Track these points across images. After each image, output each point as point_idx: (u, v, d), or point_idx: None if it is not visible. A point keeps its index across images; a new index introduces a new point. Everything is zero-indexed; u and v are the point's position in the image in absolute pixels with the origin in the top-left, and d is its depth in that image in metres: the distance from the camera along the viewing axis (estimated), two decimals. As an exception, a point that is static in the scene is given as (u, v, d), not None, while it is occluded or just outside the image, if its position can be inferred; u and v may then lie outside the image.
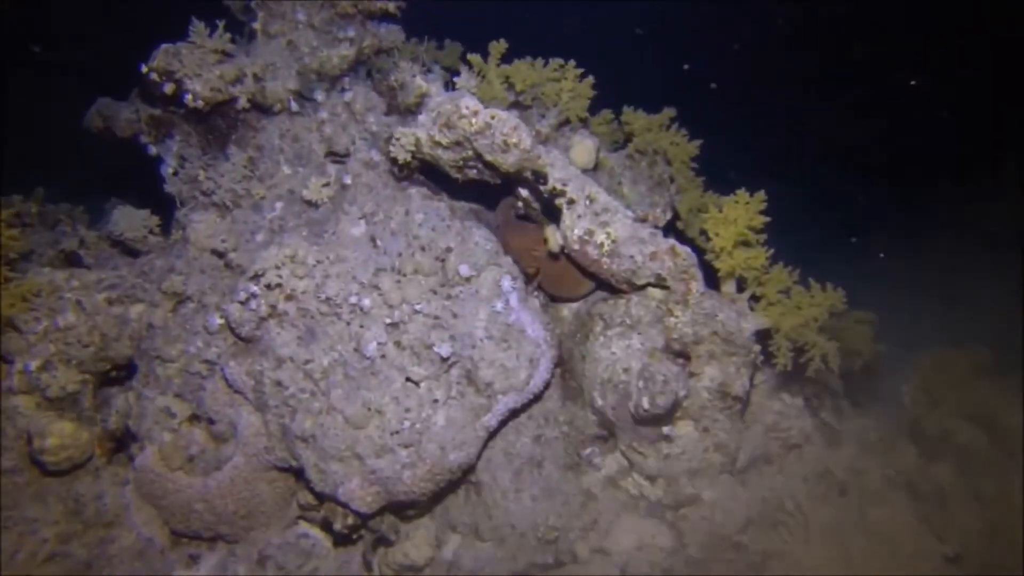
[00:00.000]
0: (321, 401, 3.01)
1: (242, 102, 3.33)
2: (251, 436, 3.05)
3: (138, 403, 3.22)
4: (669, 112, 3.72)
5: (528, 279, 3.09)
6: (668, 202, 3.58)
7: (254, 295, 2.99)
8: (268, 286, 2.99)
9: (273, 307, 3.03)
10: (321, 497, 3.03)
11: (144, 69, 3.25)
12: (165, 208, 3.68)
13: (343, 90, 3.78)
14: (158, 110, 3.49)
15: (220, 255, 3.31)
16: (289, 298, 3.07)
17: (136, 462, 3.14)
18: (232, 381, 3.03)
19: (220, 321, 3.10)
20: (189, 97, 3.23)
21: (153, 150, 3.56)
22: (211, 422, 3.09)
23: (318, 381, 3.03)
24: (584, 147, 3.32)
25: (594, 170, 3.52)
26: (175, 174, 3.57)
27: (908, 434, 3.71)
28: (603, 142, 3.82)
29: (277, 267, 3.01)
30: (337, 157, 3.76)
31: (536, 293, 3.17)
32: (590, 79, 3.61)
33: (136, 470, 3.14)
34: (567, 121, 3.56)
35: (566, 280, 3.03)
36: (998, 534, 3.14)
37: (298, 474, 3.05)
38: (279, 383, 3.02)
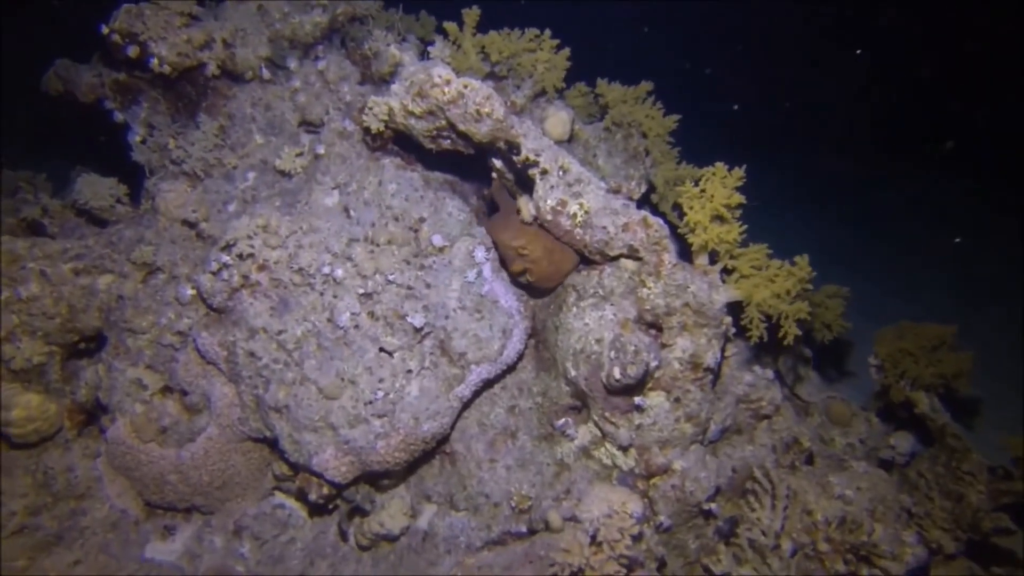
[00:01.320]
0: (294, 372, 2.99)
1: (211, 68, 3.25)
2: (224, 407, 3.03)
3: (108, 375, 3.18)
4: (646, 85, 3.70)
5: (513, 278, 3.11)
6: (643, 175, 3.58)
7: (226, 265, 2.95)
8: (240, 256, 2.96)
9: (245, 277, 2.99)
10: (296, 468, 3.03)
11: (105, 30, 3.14)
12: (133, 176, 3.60)
13: (316, 59, 3.72)
14: (122, 74, 3.40)
15: (191, 225, 3.26)
16: (262, 268, 3.04)
17: (107, 434, 3.11)
18: (204, 352, 3.01)
19: (192, 292, 3.06)
20: (155, 62, 3.15)
21: (119, 116, 3.48)
22: (184, 393, 3.07)
23: (291, 352, 3.01)
24: (559, 118, 3.30)
25: (569, 142, 3.51)
26: (143, 142, 3.49)
27: (873, 405, 3.79)
28: (578, 115, 3.80)
29: (249, 237, 2.97)
30: (311, 127, 3.71)
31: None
32: (566, 51, 3.57)
33: (108, 442, 3.12)
34: (542, 92, 3.53)
35: (553, 277, 3.03)
36: (952, 496, 3.24)
37: (272, 445, 3.04)
38: (252, 354, 2.99)
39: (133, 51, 3.15)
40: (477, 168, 3.40)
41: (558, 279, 3.05)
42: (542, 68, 3.48)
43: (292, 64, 3.63)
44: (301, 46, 3.70)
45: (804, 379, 3.57)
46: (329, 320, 3.01)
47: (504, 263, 3.09)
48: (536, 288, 3.11)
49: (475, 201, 3.71)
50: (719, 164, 2.73)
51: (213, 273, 2.94)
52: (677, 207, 3.47)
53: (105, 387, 3.15)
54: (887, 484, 3.10)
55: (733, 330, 2.97)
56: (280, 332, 3.02)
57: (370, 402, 2.91)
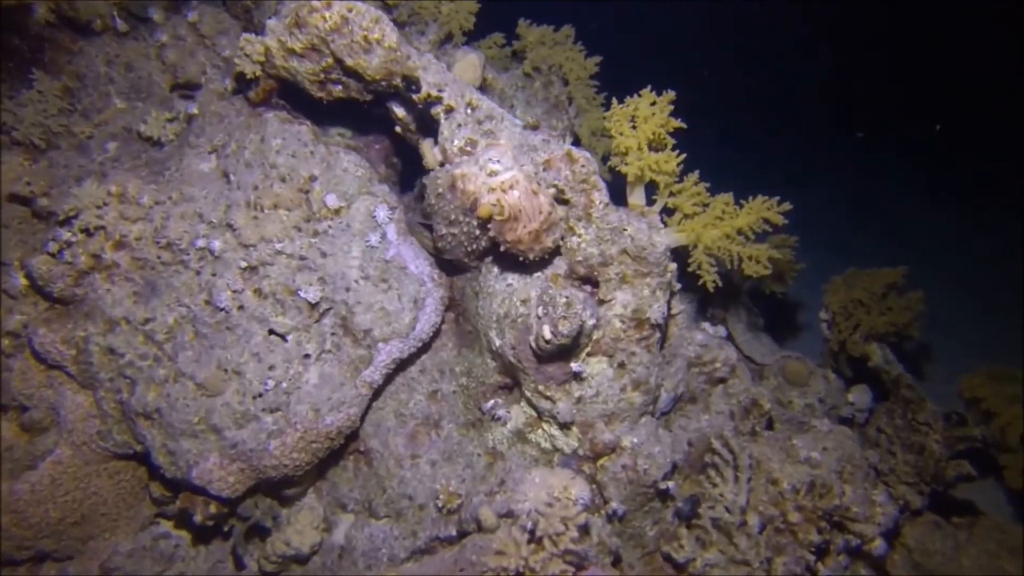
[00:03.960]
0: (167, 367, 2.48)
1: (41, 12, 2.70)
2: (78, 420, 2.48)
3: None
4: (567, 30, 3.36)
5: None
6: (567, 126, 3.22)
7: (69, 243, 2.41)
8: (87, 231, 2.43)
9: (96, 257, 2.46)
10: (175, 485, 2.51)
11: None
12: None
13: (187, 11, 3.21)
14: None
15: (25, 201, 2.69)
16: (119, 246, 2.51)
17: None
18: (44, 354, 2.45)
19: (24, 281, 2.50)
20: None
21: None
22: (23, 409, 2.50)
23: (162, 343, 2.50)
24: (467, 62, 2.90)
25: (481, 92, 3.11)
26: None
27: (826, 362, 3.53)
28: (493, 65, 3.42)
29: (98, 207, 2.45)
30: (186, 89, 3.20)
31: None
32: (476, -7, 3.19)
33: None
34: (449, 36, 3.12)
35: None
36: (913, 448, 3.04)
37: (143, 459, 2.51)
38: (111, 351, 2.47)
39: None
40: (377, 122, 2.96)
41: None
42: (447, 9, 3.08)
43: (155, 15, 3.11)
44: (168, -1, 3.19)
45: (756, 338, 3.27)
46: (207, 302, 2.51)
47: None
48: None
49: (383, 169, 3.27)
50: (646, 90, 2.38)
51: (52, 255, 2.40)
52: (606, 160, 3.13)
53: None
54: (852, 442, 2.81)
55: (679, 285, 2.62)
56: (147, 321, 2.50)
57: (259, 395, 2.42)
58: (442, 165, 2.41)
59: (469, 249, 2.49)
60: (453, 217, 2.41)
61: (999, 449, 3.11)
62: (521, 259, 2.27)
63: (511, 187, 2.13)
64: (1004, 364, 4.70)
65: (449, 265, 2.77)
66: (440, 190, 2.43)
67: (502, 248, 2.23)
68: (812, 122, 9.95)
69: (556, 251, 2.36)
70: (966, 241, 7.07)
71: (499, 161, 2.22)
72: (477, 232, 2.38)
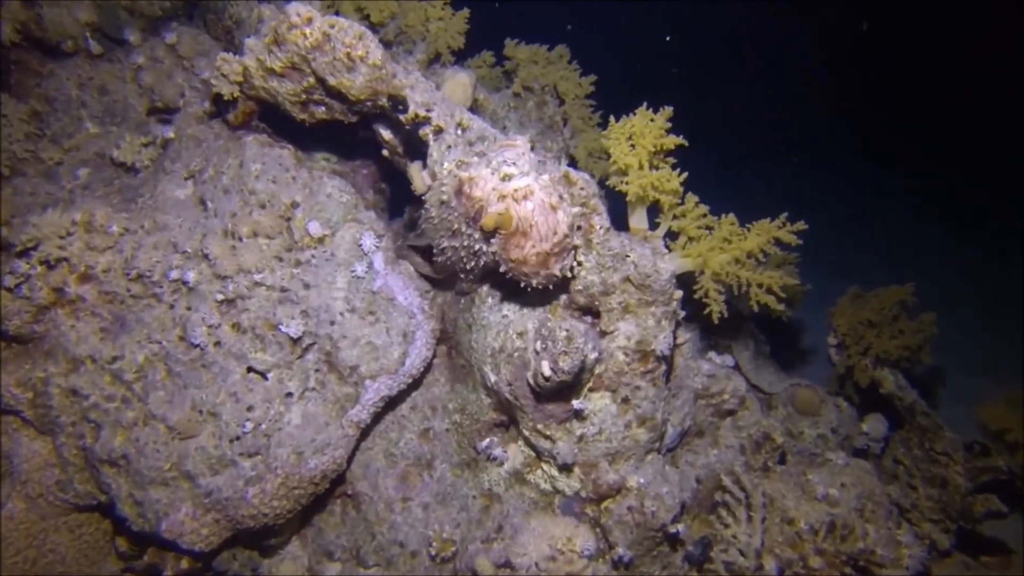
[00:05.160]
0: (136, 409, 2.30)
1: (7, 32, 2.56)
2: (34, 470, 2.30)
3: None
4: (561, 49, 3.25)
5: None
6: (562, 147, 3.09)
7: (27, 277, 2.24)
8: (47, 263, 2.26)
9: (59, 291, 2.29)
10: (142, 538, 2.31)
11: None
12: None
13: (165, 33, 3.08)
14: None
15: (-15, 231, 2.52)
16: (85, 278, 2.34)
17: None
18: (-1, 396, 2.27)
19: (-21, 317, 2.33)
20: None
21: None
22: (-27, 457, 2.31)
23: (131, 383, 2.32)
24: (457, 82, 2.77)
25: (472, 112, 2.99)
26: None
27: (833, 388, 3.38)
28: (484, 85, 3.30)
29: (62, 237, 2.28)
30: (164, 113, 3.06)
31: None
32: (465, 11, 3.07)
33: None
34: (438, 56, 3.00)
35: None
36: (935, 481, 2.88)
37: (108, 511, 2.32)
38: (74, 392, 2.29)
39: None
40: (362, 144, 2.82)
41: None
42: (435, 27, 2.96)
43: (131, 36, 2.98)
44: (144, 18, 3.06)
45: (763, 366, 3.11)
46: (181, 338, 2.34)
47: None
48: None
49: (371, 195, 3.12)
50: (641, 107, 2.26)
51: (8, 289, 2.22)
52: (604, 182, 3.00)
53: None
54: (871, 477, 2.65)
55: (683, 313, 2.48)
56: (115, 359, 2.33)
57: (237, 438, 2.24)
58: (430, 190, 2.26)
59: (468, 267, 2.19)
60: (456, 227, 2.09)
61: (1024, 481, 2.95)
62: (523, 284, 2.02)
63: (525, 197, 1.83)
64: (1005, 382, 4.60)
65: (445, 289, 2.60)
66: (445, 196, 2.10)
67: (502, 269, 1.97)
68: (806, 142, 9.94)
69: (564, 283, 2.11)
70: (964, 259, 6.99)
71: (515, 164, 1.90)
72: (478, 246, 2.07)
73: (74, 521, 2.34)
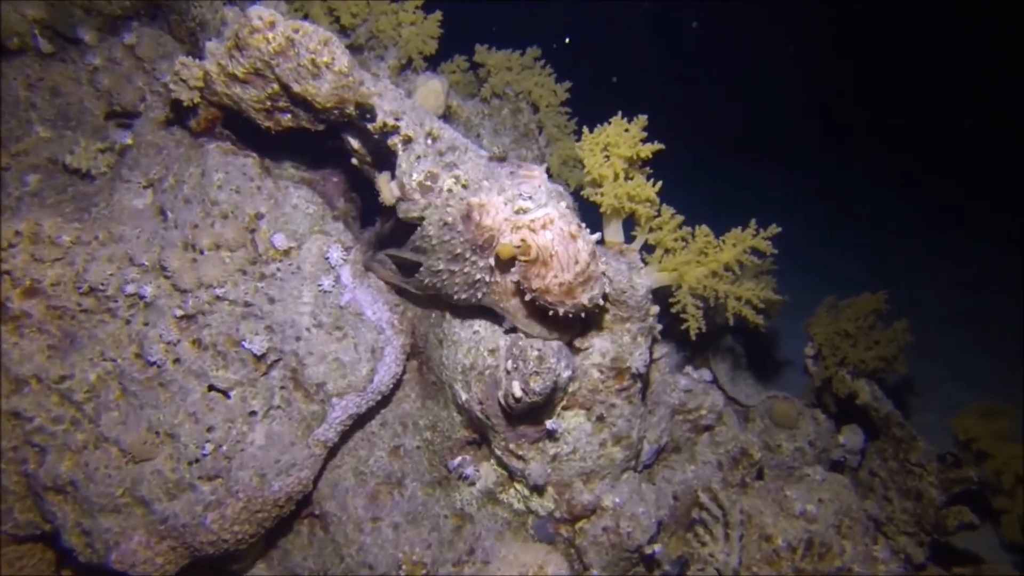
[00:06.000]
0: (86, 431, 2.19)
1: (-53, 29, 2.42)
2: (-25, 495, 2.16)
3: None
4: (534, 51, 3.18)
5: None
6: (537, 155, 3.03)
7: (-31, 292, 2.12)
8: (-9, 277, 2.13)
9: (1, 307, 2.17)
10: (90, 570, 2.19)
11: None
12: None
13: (123, 33, 2.95)
14: None
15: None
16: (29, 292, 2.22)
17: None
18: (-62, 418, 2.14)
19: (-85, 335, 2.19)
20: None
21: None
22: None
23: (81, 404, 2.20)
24: (429, 88, 2.69)
25: (444, 120, 2.91)
26: None
27: (814, 398, 3.36)
28: (458, 92, 3.22)
29: (3, 248, 2.16)
30: (123, 118, 2.94)
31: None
32: (438, 14, 3.00)
33: None
34: (409, 62, 2.92)
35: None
36: (910, 494, 2.86)
37: (52, 542, 2.19)
38: (16, 414, 2.16)
39: None
40: (331, 153, 2.73)
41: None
42: (407, 32, 2.88)
43: (86, 35, 2.85)
44: (102, 17, 2.94)
45: (741, 379, 3.08)
46: (137, 355, 2.23)
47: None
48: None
49: (341, 203, 3.02)
50: (616, 116, 2.20)
51: (-51, 304, 2.10)
52: (578, 192, 2.94)
53: None
54: (848, 492, 2.63)
55: (659, 326, 2.42)
56: (63, 379, 2.20)
57: (196, 460, 2.14)
58: (400, 201, 2.18)
59: (460, 297, 2.10)
60: (459, 252, 2.00)
61: (994, 491, 2.96)
62: (550, 313, 1.93)
63: (543, 226, 1.79)
64: (982, 388, 4.63)
65: (416, 302, 2.51)
66: (449, 219, 2.01)
67: (528, 297, 1.90)
68: (785, 147, 10.02)
69: (599, 310, 2.01)
70: (948, 268, 7.06)
71: (531, 197, 1.85)
72: (479, 276, 2.00)
73: (14, 554, 2.21)
